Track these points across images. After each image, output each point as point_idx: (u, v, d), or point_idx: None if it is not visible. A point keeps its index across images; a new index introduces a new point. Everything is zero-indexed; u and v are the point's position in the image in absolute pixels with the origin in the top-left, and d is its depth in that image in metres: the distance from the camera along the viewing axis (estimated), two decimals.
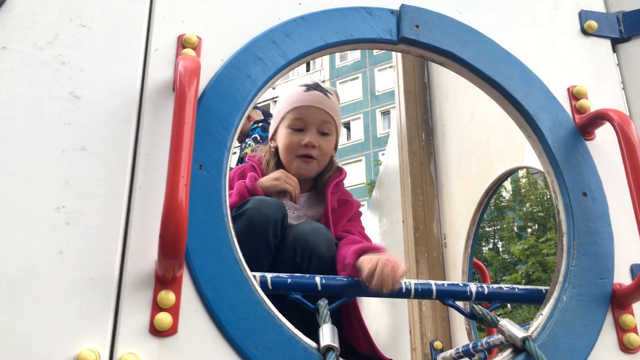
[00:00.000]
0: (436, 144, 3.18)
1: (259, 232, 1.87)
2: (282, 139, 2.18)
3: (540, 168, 2.24)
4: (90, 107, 1.44)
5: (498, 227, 21.06)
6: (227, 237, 1.40)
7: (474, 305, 1.58)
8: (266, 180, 2.07)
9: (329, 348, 1.34)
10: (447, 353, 2.63)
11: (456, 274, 2.82)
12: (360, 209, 2.20)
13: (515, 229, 21.09)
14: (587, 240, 1.59)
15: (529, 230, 21.18)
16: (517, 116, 1.74)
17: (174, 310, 1.31)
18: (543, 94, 1.75)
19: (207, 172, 1.44)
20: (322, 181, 2.17)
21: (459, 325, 2.74)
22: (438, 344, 2.74)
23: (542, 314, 1.51)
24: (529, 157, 2.33)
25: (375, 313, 3.44)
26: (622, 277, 1.57)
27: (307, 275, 1.55)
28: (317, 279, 1.54)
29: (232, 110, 1.51)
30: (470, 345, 2.38)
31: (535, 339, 1.45)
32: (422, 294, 1.58)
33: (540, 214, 21.73)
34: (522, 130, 1.75)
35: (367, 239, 2.02)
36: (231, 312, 1.33)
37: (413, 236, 2.98)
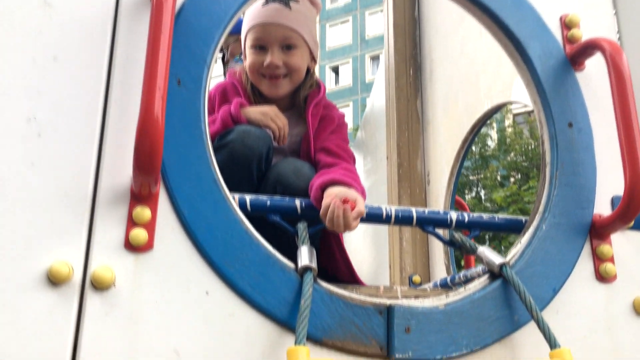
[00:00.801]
0: (424, 81, 3.13)
1: (242, 166, 1.81)
2: (247, 59, 2.07)
3: (527, 102, 2.21)
4: (63, 16, 1.37)
5: (482, 176, 21.26)
6: (206, 156, 1.36)
7: (454, 233, 1.57)
8: (253, 112, 1.96)
9: (306, 268, 1.33)
10: (425, 286, 2.67)
11: None
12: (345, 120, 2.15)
13: (498, 177, 21.29)
14: (570, 171, 1.57)
15: (512, 179, 21.40)
16: (507, 44, 1.69)
17: (150, 226, 1.28)
18: (535, 22, 1.70)
19: (185, 88, 1.39)
20: (300, 99, 2.10)
21: (438, 260, 2.77)
22: (417, 278, 2.78)
23: (520, 242, 1.52)
24: (516, 92, 2.30)
25: (357, 249, 3.46)
26: (603, 209, 1.57)
27: (287, 198, 1.53)
28: (297, 202, 1.52)
29: (213, 24, 1.45)
30: (448, 279, 2.41)
31: (512, 266, 1.46)
32: (402, 219, 1.58)
33: (524, 163, 21.94)
34: (511, 59, 1.71)
35: (343, 155, 1.94)
36: (208, 230, 1.31)
37: (397, 173, 2.97)
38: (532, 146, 22.03)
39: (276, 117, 1.94)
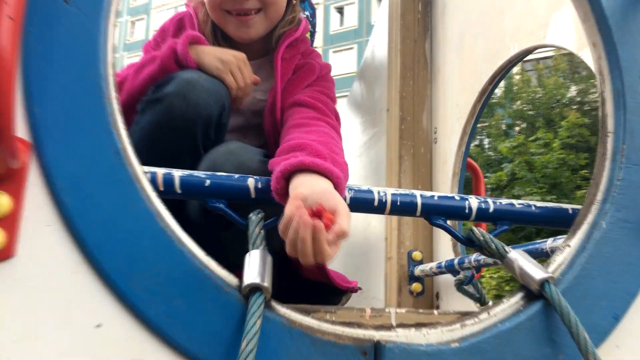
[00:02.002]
0: (434, 18, 2.60)
1: (181, 132, 1.30)
2: None
3: (568, 46, 1.71)
4: None
5: (487, 124, 20.76)
6: (104, 113, 0.89)
7: (473, 227, 1.12)
8: (209, 55, 1.42)
9: (254, 288, 0.89)
10: (427, 266, 2.24)
11: (445, 176, 2.37)
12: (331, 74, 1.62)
13: (503, 126, 20.82)
14: None
15: (517, 128, 20.92)
16: None
17: (10, 222, 0.83)
18: None
19: (77, 9, 0.91)
20: (273, 41, 1.59)
21: (443, 235, 2.33)
22: (417, 255, 2.35)
23: (569, 246, 1.06)
24: (554, 33, 1.80)
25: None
26: None
27: (236, 176, 1.06)
28: (251, 181, 1.06)
29: None
30: (456, 261, 1.98)
31: (557, 281, 1.01)
32: (402, 208, 1.12)
33: (530, 112, 21.40)
34: None
35: (322, 109, 1.42)
36: (103, 229, 0.85)
37: (398, 128, 2.49)
38: (539, 95, 21.43)
39: (239, 69, 1.41)
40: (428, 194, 1.13)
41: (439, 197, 1.13)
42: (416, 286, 2.32)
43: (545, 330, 0.99)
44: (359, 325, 0.95)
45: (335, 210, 0.95)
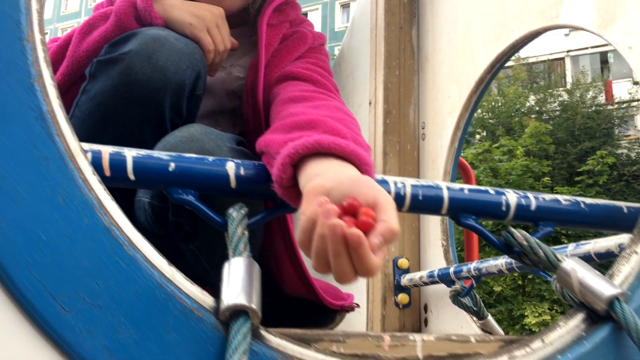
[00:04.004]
0: (422, 3, 2.38)
1: (144, 102, 0.99)
2: None
3: (587, 28, 1.51)
4: None
5: None
6: (24, 61, 0.62)
7: (512, 229, 0.88)
8: (179, 8, 1.12)
9: (237, 311, 0.63)
10: (416, 275, 2.01)
11: (435, 175, 2.14)
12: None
13: None
14: None
15: (477, 137, 21.14)
16: None
17: None
18: None
19: None
20: (255, 6, 1.30)
21: (433, 241, 2.11)
22: (403, 262, 2.11)
23: (636, 252, 0.84)
24: (569, 11, 1.59)
25: None
26: None
27: (211, 159, 0.80)
28: (230, 166, 0.79)
29: None
30: (452, 270, 1.76)
31: (627, 299, 0.79)
32: (424, 205, 0.87)
33: (490, 121, 21.66)
34: None
35: (322, 82, 1.15)
36: (14, 227, 0.58)
37: (382, 123, 2.26)
38: (499, 104, 21.73)
39: (215, 26, 1.12)
40: (456, 186, 0.89)
41: (470, 190, 0.89)
42: (402, 297, 2.08)
43: (616, 358, 0.76)
44: (376, 359, 0.70)
45: (375, 203, 0.67)
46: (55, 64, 1.10)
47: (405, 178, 0.87)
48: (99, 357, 0.58)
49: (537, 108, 21.80)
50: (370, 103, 2.36)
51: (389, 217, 0.65)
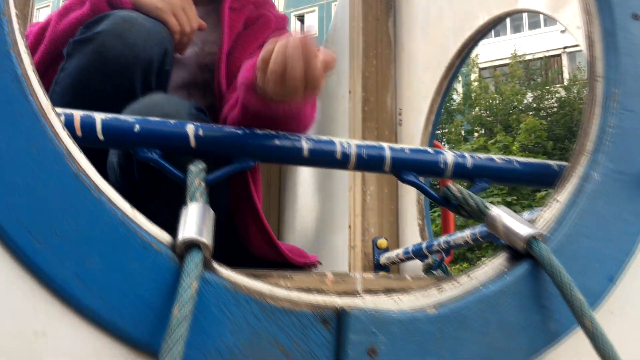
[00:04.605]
0: None
1: (118, 77, 1.12)
2: None
3: (542, 10, 1.61)
4: None
5: (446, 130, 20.97)
6: (1, 33, 0.72)
7: (449, 184, 0.98)
8: None
9: (191, 245, 0.72)
10: (393, 253, 2.11)
11: None
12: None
13: (462, 132, 21.09)
14: (636, 89, 0.99)
15: (476, 134, 21.20)
16: None
17: None
18: None
19: None
20: None
21: (410, 221, 2.20)
22: (382, 242, 2.21)
23: (557, 201, 0.93)
24: None
25: (308, 207, 2.86)
26: None
27: (172, 122, 0.90)
28: (190, 128, 0.89)
29: None
30: (424, 245, 1.86)
31: (546, 240, 0.88)
32: (368, 163, 0.97)
33: (488, 118, 21.73)
34: None
35: None
36: None
37: (361, 110, 2.36)
38: (497, 101, 21.80)
39: (184, 11, 1.24)
40: (398, 146, 0.99)
41: (411, 150, 0.99)
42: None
43: (534, 293, 0.85)
44: (320, 292, 0.80)
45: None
46: (36, 45, 1.21)
47: (351, 139, 0.96)
48: (70, 283, 0.68)
49: (534, 105, 21.88)
50: (350, 92, 2.45)
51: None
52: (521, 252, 0.87)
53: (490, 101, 22.17)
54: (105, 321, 0.68)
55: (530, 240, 0.85)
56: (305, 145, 0.92)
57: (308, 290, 0.80)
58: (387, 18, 2.47)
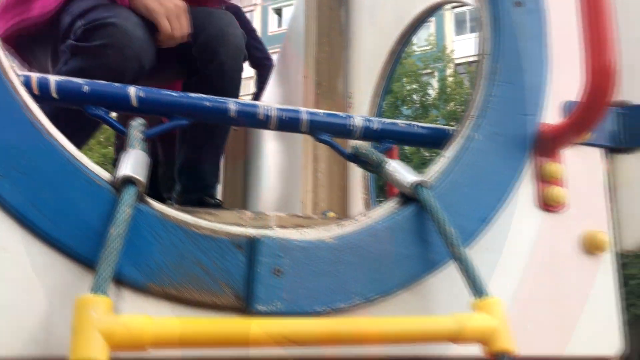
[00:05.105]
0: None
1: (113, 79, 1.19)
2: None
3: (467, 1, 1.80)
4: None
5: None
6: None
7: (357, 143, 1.15)
8: None
9: (127, 180, 0.89)
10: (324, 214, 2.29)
11: None
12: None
13: None
14: (515, 65, 1.17)
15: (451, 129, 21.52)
16: None
17: None
18: None
19: None
20: None
21: (357, 195, 2.38)
22: (331, 215, 2.38)
23: (445, 156, 1.12)
24: None
25: (269, 186, 3.04)
26: (552, 117, 1.19)
27: (117, 85, 1.06)
28: (132, 89, 1.05)
29: None
30: None
31: (432, 187, 1.06)
32: (287, 123, 1.14)
33: (463, 113, 22.07)
34: None
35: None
36: None
37: (314, 92, 2.52)
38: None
39: (177, 17, 1.43)
40: (314, 110, 1.16)
41: (325, 114, 1.16)
42: None
43: (418, 230, 1.03)
44: (238, 225, 0.97)
45: None
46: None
47: (273, 104, 1.13)
48: (26, 209, 0.84)
49: None
50: (305, 77, 2.62)
51: None
52: (410, 197, 1.05)
53: (465, 96, 22.51)
54: (55, 240, 0.84)
55: (416, 186, 1.03)
56: (232, 107, 1.09)
57: (229, 223, 0.97)
58: (340, 7, 2.63)
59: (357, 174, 2.40)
